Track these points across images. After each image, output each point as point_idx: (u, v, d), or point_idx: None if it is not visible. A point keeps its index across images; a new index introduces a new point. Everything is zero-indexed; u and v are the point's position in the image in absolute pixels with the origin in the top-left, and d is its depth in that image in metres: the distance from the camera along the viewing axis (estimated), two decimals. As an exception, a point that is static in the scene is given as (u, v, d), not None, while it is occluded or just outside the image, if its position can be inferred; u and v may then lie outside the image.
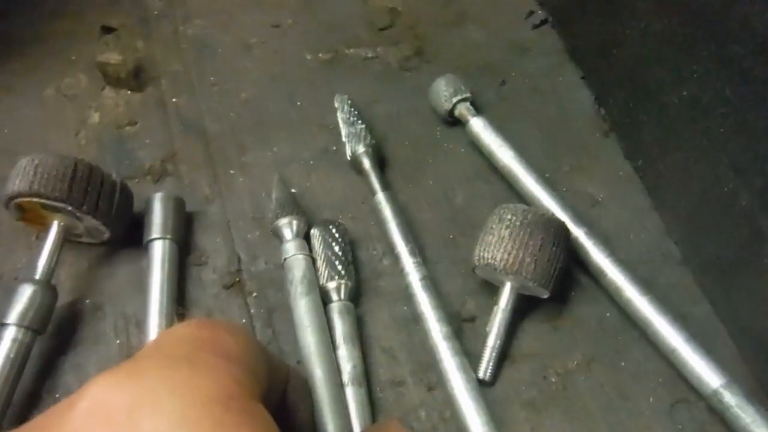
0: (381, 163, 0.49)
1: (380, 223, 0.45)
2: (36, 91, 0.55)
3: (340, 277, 0.41)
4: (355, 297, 0.42)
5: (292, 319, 0.40)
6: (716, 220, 0.38)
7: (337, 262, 0.42)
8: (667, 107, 0.40)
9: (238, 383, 0.25)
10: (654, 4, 0.39)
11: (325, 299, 0.41)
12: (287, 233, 0.43)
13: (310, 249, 0.43)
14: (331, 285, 0.41)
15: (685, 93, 0.38)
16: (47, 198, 0.41)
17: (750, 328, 0.38)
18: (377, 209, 0.45)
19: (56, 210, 0.42)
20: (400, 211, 0.44)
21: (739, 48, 0.32)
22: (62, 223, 0.43)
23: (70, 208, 0.41)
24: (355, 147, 0.47)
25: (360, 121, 0.48)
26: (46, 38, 0.59)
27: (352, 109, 0.49)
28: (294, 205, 0.44)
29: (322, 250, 0.42)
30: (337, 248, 0.42)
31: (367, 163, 0.47)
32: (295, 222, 0.43)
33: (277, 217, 0.43)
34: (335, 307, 0.41)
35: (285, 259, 0.42)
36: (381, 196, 0.45)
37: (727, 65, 0.33)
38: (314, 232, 0.43)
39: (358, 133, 0.48)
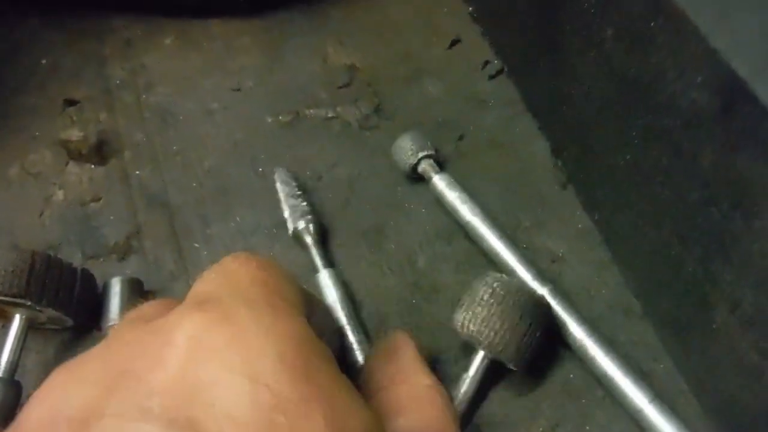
0: (336, 233, 0.49)
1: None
2: (2, 171, 0.56)
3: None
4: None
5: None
6: (668, 281, 0.38)
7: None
8: (613, 168, 0.40)
9: (304, 324, 0.28)
10: (594, 69, 0.39)
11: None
12: None
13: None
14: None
15: (628, 157, 0.38)
16: (5, 295, 0.41)
17: (710, 387, 0.38)
18: (320, 287, 0.45)
19: (16, 305, 0.42)
20: (343, 288, 0.45)
21: (669, 121, 0.32)
22: (24, 316, 0.43)
23: (29, 303, 0.41)
24: (297, 222, 0.47)
25: (301, 196, 0.49)
26: (9, 114, 0.59)
27: (293, 183, 0.50)
28: None
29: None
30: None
31: (308, 239, 0.47)
32: None
33: None
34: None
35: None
36: (323, 275, 0.45)
37: (660, 137, 0.33)
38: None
39: (299, 208, 0.48)
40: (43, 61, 0.63)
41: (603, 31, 0.36)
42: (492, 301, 0.39)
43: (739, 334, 0.33)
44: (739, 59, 0.27)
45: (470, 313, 0.39)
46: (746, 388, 0.34)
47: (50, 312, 0.43)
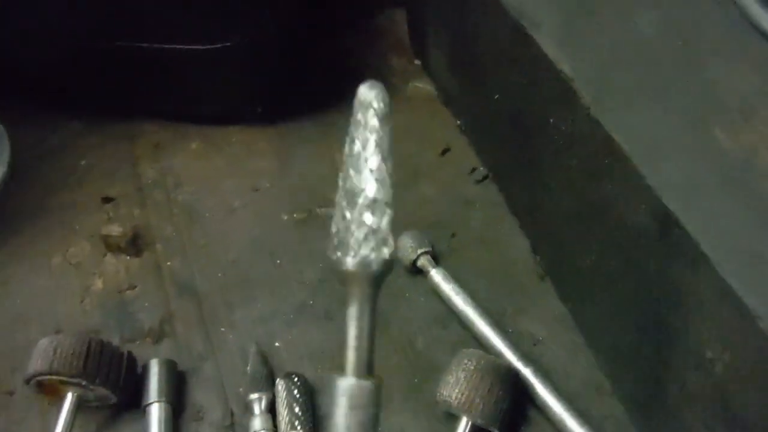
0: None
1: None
2: (44, 260, 0.63)
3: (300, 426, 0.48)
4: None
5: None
6: (631, 364, 0.46)
7: (297, 410, 0.49)
8: (580, 267, 0.48)
9: None
10: (562, 187, 0.48)
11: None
12: (256, 408, 0.50)
13: (275, 397, 0.50)
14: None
15: (592, 259, 0.46)
16: (65, 375, 0.47)
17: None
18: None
19: (72, 384, 0.48)
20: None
21: (620, 237, 0.41)
22: (76, 394, 0.49)
23: (84, 382, 0.48)
24: None
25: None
26: (52, 209, 0.67)
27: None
28: (265, 381, 0.51)
29: (285, 398, 0.49)
30: (295, 405, 0.49)
31: None
32: (264, 398, 0.50)
33: (249, 392, 0.50)
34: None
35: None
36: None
37: (614, 248, 0.42)
38: (278, 384, 0.50)
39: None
40: (82, 162, 0.71)
41: (569, 160, 0.45)
42: (458, 368, 0.46)
43: (688, 410, 0.40)
44: (670, 195, 0.36)
45: (443, 383, 0.47)
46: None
47: (100, 390, 0.49)
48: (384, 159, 0.31)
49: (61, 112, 0.74)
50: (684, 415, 0.40)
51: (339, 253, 0.30)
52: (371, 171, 0.31)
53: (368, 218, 0.30)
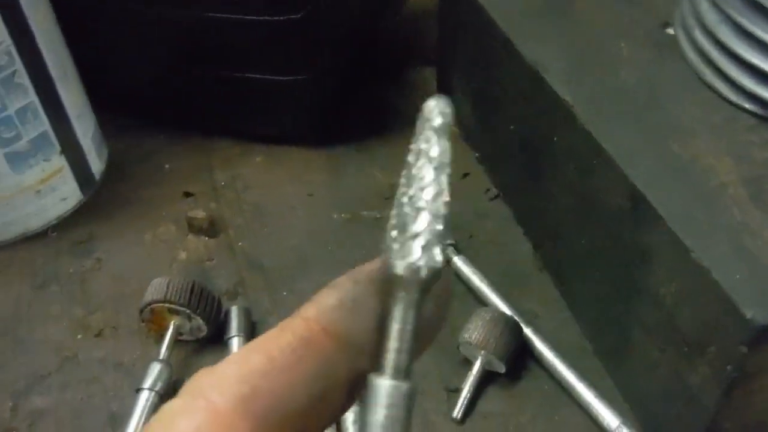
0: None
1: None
2: (138, 236, 0.77)
3: None
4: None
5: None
6: (606, 325, 0.61)
7: None
8: (573, 254, 0.64)
9: None
10: (560, 187, 0.64)
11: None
12: None
13: None
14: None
15: (584, 242, 0.62)
16: (175, 304, 0.61)
17: (635, 391, 0.59)
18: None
19: (177, 313, 0.62)
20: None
21: (605, 216, 0.57)
22: (177, 324, 0.63)
23: (188, 311, 0.61)
24: None
25: None
26: (142, 199, 0.82)
27: None
28: None
29: None
30: None
31: None
32: None
33: None
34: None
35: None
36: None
37: (600, 226, 0.58)
38: None
39: None
40: (166, 166, 0.87)
41: (567, 165, 0.61)
42: (476, 318, 0.61)
43: (647, 341, 0.55)
44: (640, 181, 0.52)
45: (464, 330, 0.61)
46: (650, 380, 0.55)
47: (196, 322, 0.63)
48: (438, 170, 0.29)
49: (149, 126, 0.91)
50: (644, 348, 0.55)
51: (389, 255, 0.28)
52: (425, 181, 0.29)
53: (420, 225, 0.28)
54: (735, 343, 0.45)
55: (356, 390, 0.28)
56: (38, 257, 0.76)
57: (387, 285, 0.27)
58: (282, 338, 0.26)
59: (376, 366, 0.27)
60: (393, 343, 0.27)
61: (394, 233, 0.28)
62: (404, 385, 0.27)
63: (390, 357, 0.27)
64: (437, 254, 0.27)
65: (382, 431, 0.26)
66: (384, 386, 0.27)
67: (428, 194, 0.28)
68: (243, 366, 0.25)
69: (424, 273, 0.27)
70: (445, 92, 0.91)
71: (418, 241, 0.27)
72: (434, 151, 0.28)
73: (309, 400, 0.26)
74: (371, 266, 0.29)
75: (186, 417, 0.24)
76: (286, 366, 0.25)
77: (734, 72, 0.55)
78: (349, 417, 0.57)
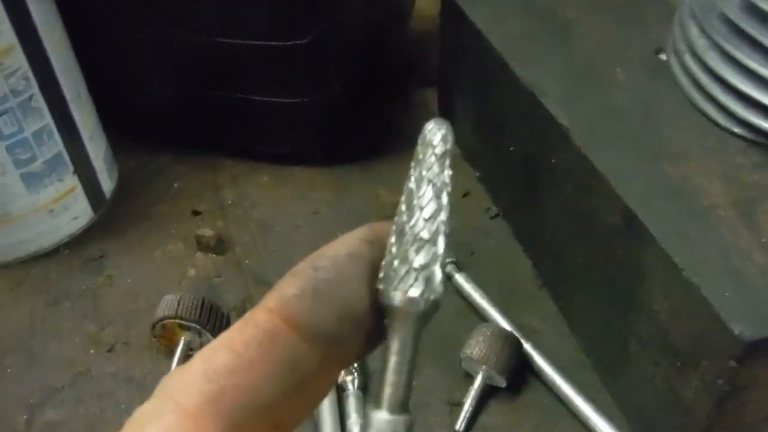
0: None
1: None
2: (148, 253, 0.79)
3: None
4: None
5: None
6: (603, 339, 0.63)
7: None
8: (571, 272, 0.66)
9: None
10: (558, 207, 0.66)
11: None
12: None
13: None
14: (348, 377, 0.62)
15: (581, 259, 0.64)
16: (186, 320, 0.63)
17: (630, 402, 0.61)
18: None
19: (187, 329, 0.64)
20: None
21: (601, 234, 0.59)
22: (187, 340, 0.65)
23: (199, 327, 0.63)
24: None
25: None
26: (151, 217, 0.84)
27: None
28: None
29: None
30: None
31: None
32: None
33: None
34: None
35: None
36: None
37: (595, 243, 0.60)
38: None
39: None
40: (175, 185, 0.89)
41: (565, 185, 0.64)
42: (477, 334, 0.63)
43: (642, 355, 0.57)
44: (633, 201, 0.54)
45: (466, 346, 0.63)
46: (645, 393, 0.57)
47: (206, 338, 0.65)
48: (439, 196, 0.30)
49: (157, 145, 0.93)
50: (639, 362, 0.57)
51: (386, 286, 0.28)
52: (423, 209, 0.29)
53: (421, 258, 0.28)
54: (725, 357, 0.47)
55: (335, 377, 0.28)
56: (51, 274, 0.78)
57: (385, 313, 0.28)
58: (246, 332, 0.26)
59: (375, 399, 0.28)
60: (391, 377, 0.28)
61: (395, 263, 0.28)
62: (402, 419, 0.28)
63: (388, 392, 0.28)
64: (438, 286, 0.28)
65: None
66: (382, 421, 0.27)
67: (430, 222, 0.29)
68: (209, 364, 0.25)
69: (423, 306, 0.28)
70: (446, 112, 0.95)
71: (418, 273, 0.28)
72: (436, 178, 0.30)
73: (280, 393, 0.25)
74: (329, 249, 0.29)
75: (155, 420, 0.24)
76: (252, 361, 0.25)
77: (723, 97, 0.58)
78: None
